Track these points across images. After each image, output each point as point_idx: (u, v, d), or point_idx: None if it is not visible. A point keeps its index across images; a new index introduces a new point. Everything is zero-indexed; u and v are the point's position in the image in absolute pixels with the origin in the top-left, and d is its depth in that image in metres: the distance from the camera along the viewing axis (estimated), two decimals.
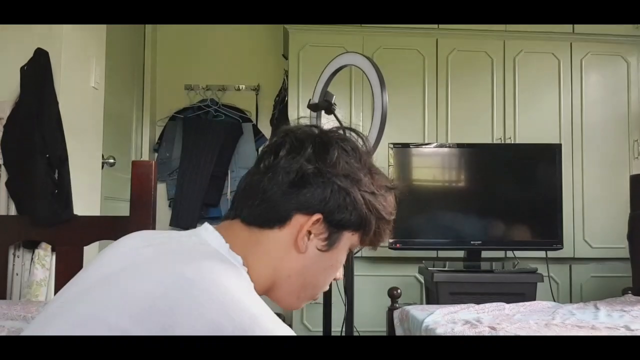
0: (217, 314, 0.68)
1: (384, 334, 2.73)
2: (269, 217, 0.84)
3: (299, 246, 0.84)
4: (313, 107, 2.03)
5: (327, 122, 2.14)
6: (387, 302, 2.76)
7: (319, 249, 0.85)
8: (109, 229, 1.85)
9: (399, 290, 2.73)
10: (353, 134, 0.91)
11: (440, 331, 1.98)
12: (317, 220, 0.83)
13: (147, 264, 0.77)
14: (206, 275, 0.72)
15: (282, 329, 0.73)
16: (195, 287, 0.70)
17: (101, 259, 0.84)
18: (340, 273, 0.92)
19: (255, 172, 0.86)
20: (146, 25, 3.87)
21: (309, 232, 0.84)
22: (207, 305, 0.69)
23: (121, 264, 0.79)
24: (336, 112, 2.06)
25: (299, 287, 0.88)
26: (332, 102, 1.99)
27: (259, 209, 0.84)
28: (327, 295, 2.60)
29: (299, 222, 0.83)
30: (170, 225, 3.93)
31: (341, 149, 0.85)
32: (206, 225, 0.86)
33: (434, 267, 2.92)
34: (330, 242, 0.86)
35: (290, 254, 0.85)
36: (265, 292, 0.87)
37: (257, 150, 4.10)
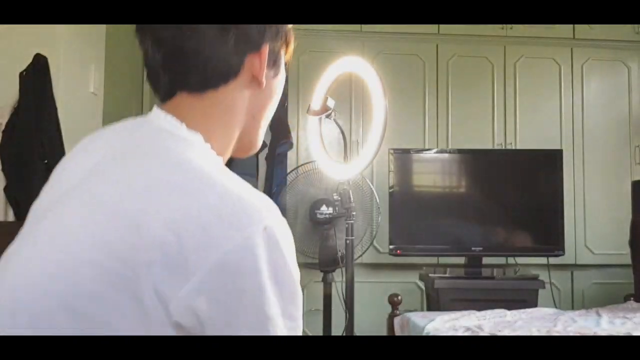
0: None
1: None
2: (218, 73, 0.80)
3: (260, 83, 0.83)
4: (313, 112, 2.02)
5: (328, 126, 2.14)
6: (388, 308, 2.75)
7: (272, 77, 0.86)
8: None
9: (399, 297, 2.72)
10: None
11: None
12: (265, 49, 0.82)
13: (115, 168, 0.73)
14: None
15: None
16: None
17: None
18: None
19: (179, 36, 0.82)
20: None
21: (268, 66, 0.85)
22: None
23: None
24: (336, 118, 2.05)
25: (264, 120, 0.89)
26: (332, 107, 1.98)
27: (203, 72, 0.80)
28: (327, 302, 2.59)
29: (252, 62, 0.82)
30: None
31: None
32: (156, 110, 0.81)
33: (434, 273, 2.91)
34: (277, 65, 0.87)
35: (252, 96, 0.84)
36: (231, 147, 0.88)
37: (257, 156, 4.09)
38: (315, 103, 2.01)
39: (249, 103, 0.85)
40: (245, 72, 0.82)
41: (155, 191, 0.67)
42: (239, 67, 0.81)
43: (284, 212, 2.79)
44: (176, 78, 0.81)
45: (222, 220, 0.65)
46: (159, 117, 0.79)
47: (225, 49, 0.80)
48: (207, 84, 0.80)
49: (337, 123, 2.03)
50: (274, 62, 0.86)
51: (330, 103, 1.96)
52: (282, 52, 0.88)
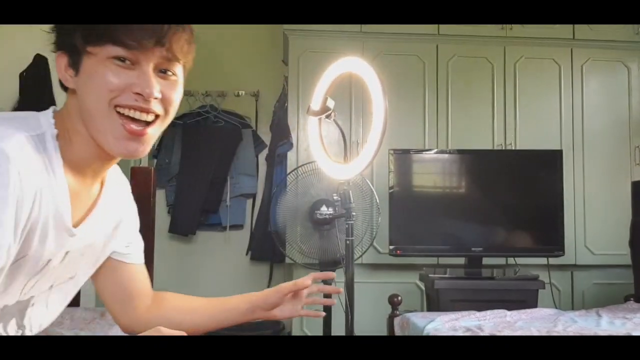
0: None
1: None
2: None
3: (66, 85, 0.95)
4: (313, 112, 2.01)
5: (328, 127, 2.13)
6: (388, 309, 2.75)
7: (74, 77, 0.93)
8: None
9: (399, 298, 2.72)
10: None
11: None
12: (58, 57, 0.95)
13: None
14: None
15: None
16: None
17: None
18: (138, 86, 0.91)
19: None
20: None
21: (67, 70, 0.94)
22: None
23: None
24: (336, 118, 2.05)
25: (88, 117, 0.93)
26: (332, 108, 1.98)
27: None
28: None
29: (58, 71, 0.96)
30: (169, 231, 3.92)
31: None
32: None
33: (434, 274, 2.90)
34: (75, 64, 0.93)
35: (73, 98, 0.95)
36: (95, 147, 0.94)
37: (257, 156, 4.09)
38: (315, 103, 2.01)
39: (75, 106, 0.94)
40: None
41: None
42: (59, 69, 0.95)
43: (284, 212, 2.79)
44: None
45: None
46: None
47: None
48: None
49: (337, 123, 2.03)
50: (72, 62, 0.93)
51: (330, 104, 1.96)
52: (85, 50, 0.91)
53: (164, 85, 0.93)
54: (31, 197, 0.85)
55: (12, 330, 0.98)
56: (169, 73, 0.95)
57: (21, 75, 2.40)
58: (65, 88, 0.97)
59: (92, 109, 0.91)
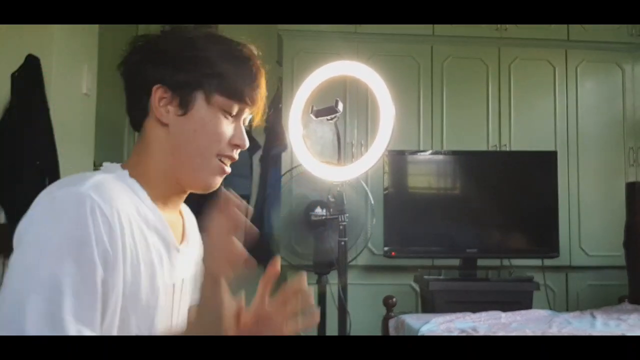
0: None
1: None
2: (137, 115, 0.95)
3: (160, 119, 0.93)
4: (316, 113, 2.02)
5: (329, 127, 2.13)
6: (383, 311, 2.74)
7: (178, 115, 0.93)
8: None
9: (394, 299, 2.71)
10: None
11: None
12: (158, 90, 0.92)
13: None
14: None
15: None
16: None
17: None
18: (241, 140, 0.97)
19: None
20: (138, 31, 3.85)
21: (165, 105, 0.93)
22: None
23: None
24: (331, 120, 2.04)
25: (188, 159, 0.94)
26: (340, 110, 1.98)
27: (133, 114, 0.96)
28: (322, 304, 2.58)
29: (151, 102, 0.93)
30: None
31: (157, 35, 0.96)
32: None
33: (429, 275, 2.90)
34: (184, 104, 0.92)
35: (163, 132, 0.94)
36: (176, 187, 0.96)
37: (251, 157, 4.07)
38: (317, 105, 2.01)
39: (164, 141, 0.94)
40: (151, 111, 0.93)
41: None
42: (145, 107, 0.93)
43: (278, 214, 2.77)
44: (129, 119, 0.99)
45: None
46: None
47: (133, 92, 0.95)
48: (134, 124, 0.97)
49: (336, 126, 2.03)
50: (180, 100, 0.93)
51: (340, 106, 1.97)
52: (199, 93, 0.93)
53: None
54: (126, 225, 0.85)
55: None
56: None
57: (13, 75, 2.38)
58: (138, 117, 0.96)
59: (196, 152, 0.94)
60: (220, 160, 0.96)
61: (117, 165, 0.94)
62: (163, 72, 0.92)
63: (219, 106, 0.94)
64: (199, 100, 0.92)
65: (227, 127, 0.95)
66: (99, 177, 0.86)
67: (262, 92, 0.99)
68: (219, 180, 0.98)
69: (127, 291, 0.84)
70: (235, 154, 0.98)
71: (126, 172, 0.92)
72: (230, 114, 0.95)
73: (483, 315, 2.39)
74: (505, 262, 3.31)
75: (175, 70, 0.92)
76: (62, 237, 0.78)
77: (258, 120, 1.01)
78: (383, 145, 1.96)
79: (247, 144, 0.99)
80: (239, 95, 0.95)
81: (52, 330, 0.73)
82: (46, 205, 0.81)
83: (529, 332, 2.12)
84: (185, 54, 0.92)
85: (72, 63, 2.64)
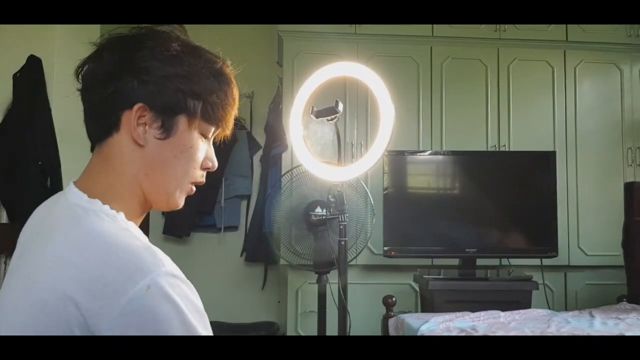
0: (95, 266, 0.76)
1: None
2: (103, 127, 0.89)
3: (136, 140, 0.87)
4: (316, 113, 2.03)
5: (329, 127, 2.14)
6: (382, 310, 2.75)
7: (158, 138, 0.88)
8: None
9: (393, 299, 2.72)
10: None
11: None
12: (139, 109, 0.86)
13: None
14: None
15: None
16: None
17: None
18: (212, 162, 0.96)
19: (84, 96, 0.93)
20: None
21: (144, 125, 0.87)
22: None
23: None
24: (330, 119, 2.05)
25: (163, 182, 0.91)
26: (341, 111, 2.00)
27: (95, 125, 0.90)
28: (322, 304, 2.59)
29: (128, 118, 0.87)
30: (164, 233, 3.91)
31: (138, 44, 0.88)
32: (70, 186, 0.91)
33: (429, 275, 2.91)
34: (166, 128, 0.88)
35: (137, 152, 0.88)
36: (145, 204, 0.92)
37: (252, 157, 4.09)
38: (318, 105, 2.02)
39: (136, 160, 0.89)
40: (124, 126, 0.87)
41: (63, 260, 0.77)
42: (116, 121, 0.87)
43: (278, 213, 2.79)
44: (88, 134, 0.93)
45: (121, 275, 0.75)
46: (70, 192, 0.88)
47: (104, 102, 0.88)
48: (95, 135, 0.90)
49: (336, 126, 2.05)
50: (162, 124, 0.88)
51: (340, 107, 1.98)
52: (182, 118, 0.89)
53: None
54: None
55: None
56: None
57: (14, 76, 2.39)
58: (103, 132, 0.89)
59: (173, 177, 0.92)
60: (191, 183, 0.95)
61: (93, 201, 0.86)
62: (145, 91, 0.86)
63: (199, 130, 0.92)
64: (182, 125, 0.89)
65: (202, 151, 0.94)
66: (143, 243, 0.81)
67: (235, 114, 0.97)
68: (184, 199, 0.97)
69: None
70: (204, 178, 0.97)
71: (120, 214, 0.86)
72: (206, 137, 0.94)
73: (482, 315, 2.40)
74: (504, 261, 3.32)
75: (159, 91, 0.87)
76: (191, 313, 0.78)
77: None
78: (383, 146, 1.98)
79: (215, 166, 0.98)
80: (219, 120, 0.93)
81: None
82: (154, 305, 0.75)
83: (527, 331, 2.14)
84: (170, 74, 0.87)
85: (74, 63, 2.65)
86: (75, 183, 0.91)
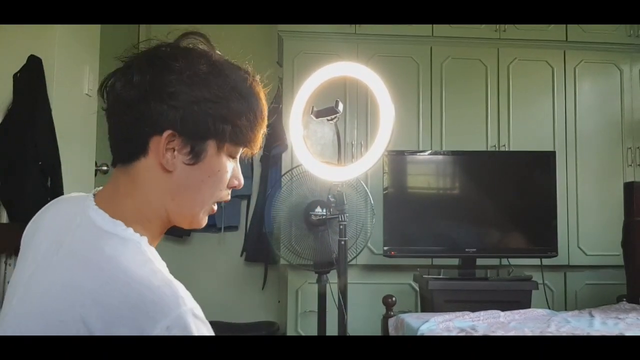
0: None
1: None
2: (130, 150, 0.88)
3: (164, 166, 0.87)
4: (316, 113, 2.03)
5: (329, 127, 2.15)
6: (382, 310, 2.75)
7: (186, 164, 0.88)
8: None
9: (393, 298, 2.72)
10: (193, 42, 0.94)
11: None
12: (169, 136, 0.86)
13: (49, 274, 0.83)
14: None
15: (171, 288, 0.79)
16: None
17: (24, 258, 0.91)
18: (238, 180, 0.96)
19: (110, 115, 0.91)
20: (140, 31, 3.87)
21: (172, 150, 0.87)
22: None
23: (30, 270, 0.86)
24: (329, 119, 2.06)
25: (189, 206, 0.91)
26: (341, 111, 2.00)
27: (122, 147, 0.89)
28: (322, 304, 2.59)
29: (157, 144, 0.86)
30: (165, 233, 3.91)
31: (167, 66, 0.87)
32: (90, 201, 0.89)
33: (428, 274, 2.91)
34: (195, 154, 0.88)
35: (164, 177, 0.88)
36: (168, 224, 0.93)
37: (251, 157, 4.08)
38: (318, 105, 2.03)
39: (163, 184, 0.89)
40: (153, 152, 0.87)
41: (83, 290, 0.77)
42: (144, 146, 0.87)
43: (278, 213, 2.79)
44: (111, 150, 0.91)
45: (140, 312, 0.75)
46: (91, 209, 0.87)
47: (132, 125, 0.86)
48: (121, 158, 0.89)
49: (336, 126, 2.05)
50: (191, 149, 0.87)
51: (340, 107, 1.98)
52: (211, 142, 0.89)
53: None
54: None
55: None
56: None
57: (15, 76, 2.39)
58: (130, 156, 0.88)
59: (200, 200, 0.92)
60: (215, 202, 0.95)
61: (116, 223, 0.86)
62: (174, 116, 0.85)
63: (227, 153, 0.92)
64: (210, 149, 0.89)
65: (230, 172, 0.94)
66: (165, 278, 0.83)
67: (264, 131, 0.97)
68: (206, 220, 0.96)
69: None
70: (229, 196, 0.97)
71: (143, 239, 0.87)
72: (234, 157, 0.94)
73: (482, 314, 2.40)
74: (504, 261, 3.32)
75: (188, 117, 0.86)
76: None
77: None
78: (383, 146, 1.98)
79: (242, 184, 0.98)
80: (248, 141, 0.93)
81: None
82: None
83: (527, 331, 2.14)
84: (199, 99, 0.86)
85: (74, 63, 2.65)
86: (95, 197, 0.90)
